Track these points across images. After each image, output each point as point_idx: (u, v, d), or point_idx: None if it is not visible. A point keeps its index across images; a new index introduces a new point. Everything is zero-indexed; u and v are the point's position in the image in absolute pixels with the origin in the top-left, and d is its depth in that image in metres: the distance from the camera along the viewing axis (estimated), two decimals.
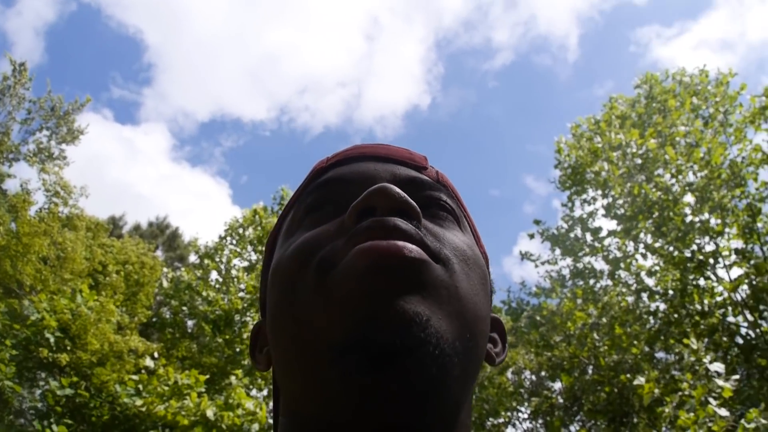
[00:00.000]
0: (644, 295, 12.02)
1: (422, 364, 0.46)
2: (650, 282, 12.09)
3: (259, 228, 14.69)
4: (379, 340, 0.46)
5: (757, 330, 10.74)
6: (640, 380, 7.59)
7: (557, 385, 13.56)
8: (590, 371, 11.83)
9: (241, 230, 14.98)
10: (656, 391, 7.59)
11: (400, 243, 0.50)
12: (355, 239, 0.52)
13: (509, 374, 15.31)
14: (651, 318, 11.72)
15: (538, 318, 12.99)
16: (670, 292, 11.46)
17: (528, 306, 13.83)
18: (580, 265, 13.23)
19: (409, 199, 0.55)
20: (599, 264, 13.10)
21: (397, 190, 0.54)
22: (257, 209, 15.04)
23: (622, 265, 12.38)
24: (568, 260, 13.47)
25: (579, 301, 12.01)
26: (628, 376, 10.10)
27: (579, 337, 11.54)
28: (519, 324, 13.74)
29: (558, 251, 13.43)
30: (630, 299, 12.14)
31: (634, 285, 12.27)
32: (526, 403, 14.20)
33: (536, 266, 13.76)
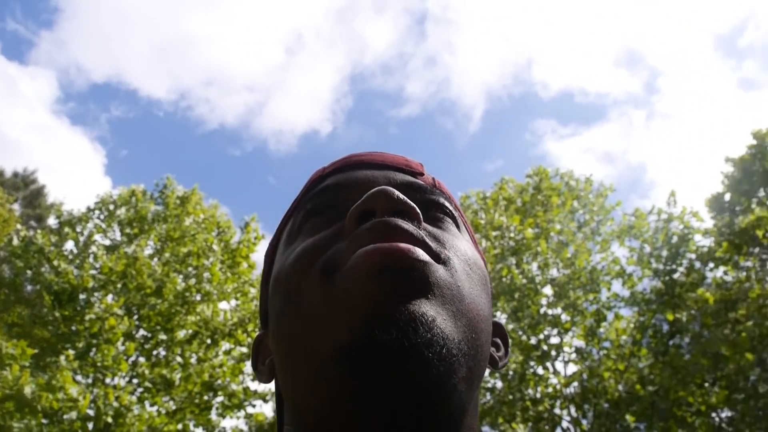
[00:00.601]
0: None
1: (429, 363, 0.46)
2: None
3: (132, 210, 14.11)
4: (386, 341, 0.46)
5: (578, 427, 11.50)
6: None
7: None
8: None
9: (112, 207, 14.32)
10: None
11: (403, 244, 0.51)
12: (358, 241, 0.52)
13: None
14: (488, 393, 12.26)
15: None
16: (510, 373, 12.06)
17: None
18: None
19: (408, 200, 0.55)
20: None
21: (396, 191, 0.55)
22: (136, 191, 14.45)
23: None
24: None
25: None
26: None
27: None
28: None
29: None
30: None
31: None
32: None
33: None
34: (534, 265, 12.85)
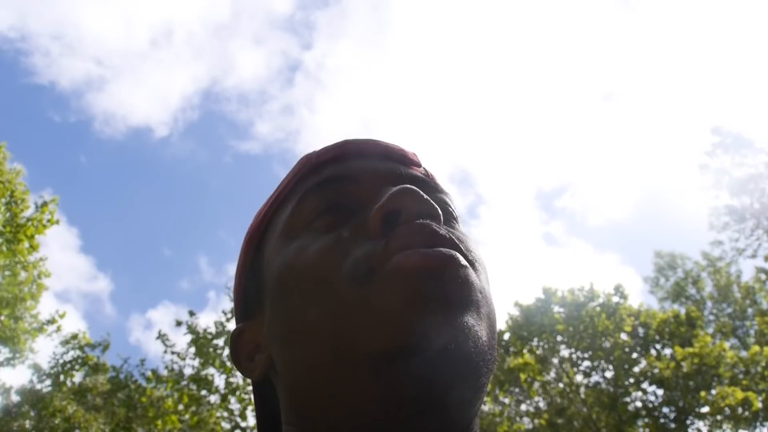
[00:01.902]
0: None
1: (473, 371, 0.47)
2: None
3: None
4: (433, 349, 0.45)
5: None
6: None
7: None
8: None
9: None
10: None
11: (444, 250, 0.49)
12: (396, 243, 0.50)
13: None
14: None
15: (136, 398, 12.51)
16: None
17: (134, 383, 13.28)
18: (203, 372, 13.22)
19: (433, 202, 0.53)
20: (220, 381, 13.24)
21: (421, 192, 0.53)
22: None
23: (236, 394, 12.66)
24: (197, 362, 13.41)
25: (181, 406, 11.85)
26: None
27: None
28: (117, 395, 13.04)
29: (193, 350, 13.33)
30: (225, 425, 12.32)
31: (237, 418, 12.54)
32: None
33: (165, 352, 13.43)
34: None
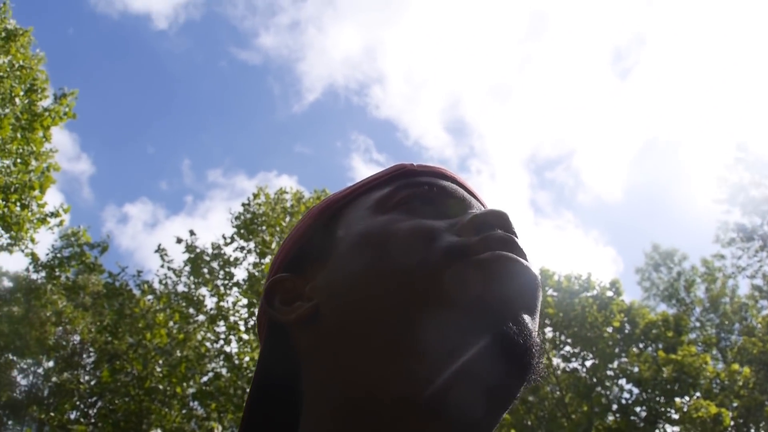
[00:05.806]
0: None
1: (528, 363, 0.52)
2: None
3: None
4: (512, 343, 0.51)
5: None
6: None
7: None
8: None
9: None
10: None
11: (530, 264, 0.57)
12: (489, 242, 0.57)
13: None
14: None
15: (127, 306, 12.59)
16: None
17: (128, 291, 13.37)
18: (196, 292, 13.30)
19: (514, 233, 0.61)
20: (211, 303, 13.31)
21: (511, 220, 0.61)
22: None
23: (227, 320, 12.74)
24: (191, 280, 13.48)
25: (171, 323, 11.91)
26: None
27: None
28: (110, 300, 13.11)
29: (188, 268, 13.38)
30: None
31: None
32: None
33: (162, 266, 13.48)
34: None
